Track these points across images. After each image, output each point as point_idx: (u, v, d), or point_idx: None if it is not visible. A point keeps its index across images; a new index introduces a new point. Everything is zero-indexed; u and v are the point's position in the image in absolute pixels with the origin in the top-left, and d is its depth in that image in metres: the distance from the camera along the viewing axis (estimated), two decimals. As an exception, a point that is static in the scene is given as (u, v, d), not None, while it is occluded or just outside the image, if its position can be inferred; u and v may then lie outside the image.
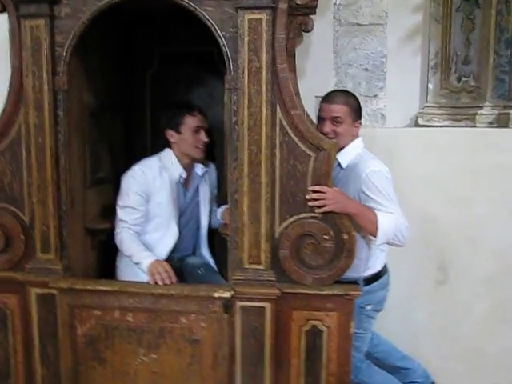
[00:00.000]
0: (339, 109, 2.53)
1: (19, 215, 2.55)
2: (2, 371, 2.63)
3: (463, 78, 3.43)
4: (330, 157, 2.29)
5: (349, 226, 2.34)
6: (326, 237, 2.35)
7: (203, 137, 2.78)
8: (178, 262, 2.84)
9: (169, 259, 2.72)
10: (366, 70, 3.10)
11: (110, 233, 2.78)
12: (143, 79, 3.17)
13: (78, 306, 2.46)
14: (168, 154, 2.80)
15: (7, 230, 2.55)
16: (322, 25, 2.99)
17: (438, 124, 3.44)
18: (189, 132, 2.75)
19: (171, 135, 2.77)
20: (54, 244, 2.50)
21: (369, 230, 2.42)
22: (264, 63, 2.26)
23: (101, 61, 2.82)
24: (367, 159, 2.53)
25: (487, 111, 3.22)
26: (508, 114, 3.13)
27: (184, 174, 2.83)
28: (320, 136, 2.30)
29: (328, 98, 2.59)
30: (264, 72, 2.26)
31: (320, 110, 2.60)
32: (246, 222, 2.35)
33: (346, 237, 2.34)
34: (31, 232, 2.53)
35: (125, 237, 2.67)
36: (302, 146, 2.31)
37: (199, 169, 2.90)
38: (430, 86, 3.52)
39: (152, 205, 2.72)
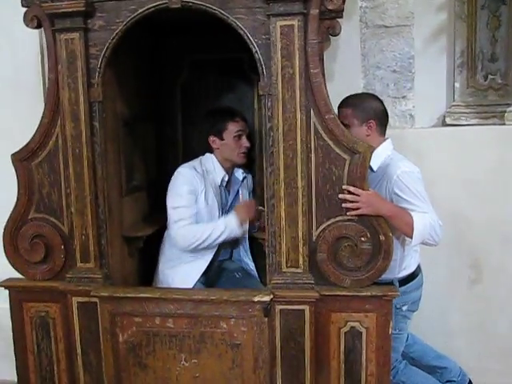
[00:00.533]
0: (344, 113, 2.59)
1: (58, 225, 2.61)
2: (46, 379, 2.68)
3: (490, 76, 3.43)
4: (364, 159, 2.31)
5: (385, 228, 2.35)
6: (362, 239, 2.37)
7: (245, 142, 2.84)
8: (217, 267, 2.87)
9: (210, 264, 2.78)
10: (394, 71, 3.12)
11: (147, 240, 2.83)
12: (173, 87, 3.22)
13: (119, 314, 2.50)
14: (210, 158, 2.86)
15: (47, 241, 2.61)
16: (349, 28, 3.01)
17: (466, 123, 3.44)
18: (231, 138, 2.81)
19: (213, 141, 2.83)
20: (94, 253, 2.55)
21: (404, 231, 2.43)
22: (297, 69, 2.29)
23: (133, 71, 2.87)
24: (397, 160, 2.55)
25: (516, 109, 3.22)
26: (537, 110, 3.13)
27: (226, 177, 2.89)
28: (354, 139, 2.32)
29: (339, 104, 2.64)
30: (297, 77, 2.29)
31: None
32: (283, 226, 2.38)
33: (382, 238, 2.36)
34: (71, 242, 2.58)
35: (190, 228, 2.70)
36: (337, 150, 2.33)
37: (239, 173, 2.97)
38: (457, 84, 3.52)
39: (198, 206, 2.77)
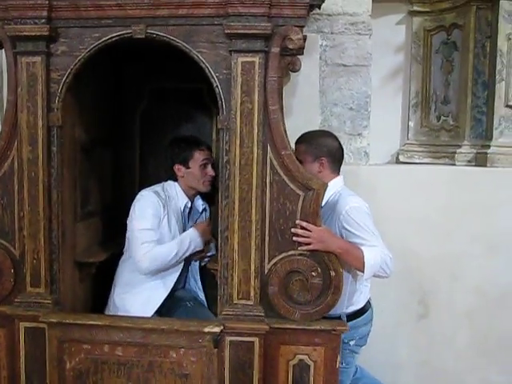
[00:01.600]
0: (298, 149, 2.68)
1: (9, 248, 2.57)
2: (-13, 408, 2.63)
3: (443, 117, 3.61)
4: (318, 196, 2.38)
5: (336, 263, 2.42)
6: (313, 273, 2.42)
7: (210, 171, 2.90)
8: (170, 295, 2.88)
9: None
10: (351, 109, 3.23)
11: (99, 266, 2.83)
12: (133, 114, 3.25)
13: (67, 340, 2.47)
14: (173, 186, 2.90)
15: (-4, 264, 2.58)
16: (309, 65, 3.11)
17: (419, 161, 3.59)
18: (197, 166, 2.86)
19: (178, 169, 2.87)
20: (45, 278, 2.53)
21: (356, 266, 2.51)
22: (256, 104, 2.35)
23: (93, 96, 2.89)
24: (346, 196, 2.62)
25: (466, 150, 3.39)
26: (485, 153, 3.28)
27: (189, 204, 2.93)
28: (309, 176, 2.39)
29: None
30: (256, 113, 2.36)
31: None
32: (235, 259, 2.42)
33: (333, 274, 2.42)
34: (21, 266, 2.55)
35: (156, 250, 2.70)
36: (292, 186, 2.39)
37: (199, 204, 3.01)
38: (411, 124, 3.69)
39: (161, 231, 2.78)
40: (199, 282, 3.05)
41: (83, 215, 2.85)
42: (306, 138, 2.70)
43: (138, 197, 2.80)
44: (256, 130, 2.36)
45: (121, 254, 2.92)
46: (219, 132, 2.44)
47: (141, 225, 2.73)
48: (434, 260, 3.22)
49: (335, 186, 2.66)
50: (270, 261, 2.44)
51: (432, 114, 3.63)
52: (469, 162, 3.36)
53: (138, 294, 2.78)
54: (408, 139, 3.66)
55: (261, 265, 2.43)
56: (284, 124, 2.40)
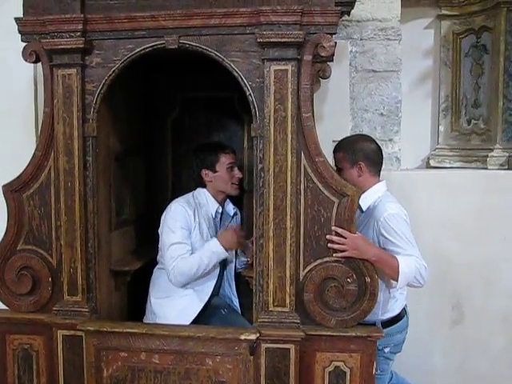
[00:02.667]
0: (337, 158, 2.70)
1: (47, 258, 2.62)
2: (27, 414, 2.67)
3: (473, 121, 3.57)
4: (353, 203, 2.38)
5: (371, 270, 2.41)
6: (349, 280, 2.41)
7: (237, 173, 2.91)
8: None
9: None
10: (382, 114, 3.22)
11: (134, 274, 2.85)
12: (165, 124, 3.28)
13: (104, 348, 2.50)
14: (202, 193, 2.91)
15: (35, 273, 2.62)
16: (339, 71, 3.11)
17: (449, 165, 3.56)
18: (224, 169, 2.87)
19: (206, 174, 2.88)
20: (82, 286, 2.56)
21: (390, 274, 2.49)
22: (289, 112, 2.36)
23: (126, 106, 2.93)
24: (385, 202, 2.61)
25: (498, 153, 3.35)
26: (518, 156, 3.24)
27: (220, 209, 2.94)
28: (343, 182, 2.39)
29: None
30: (289, 121, 2.36)
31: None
32: (271, 266, 2.42)
33: (368, 280, 2.41)
34: (58, 274, 2.59)
35: (181, 264, 2.71)
36: (326, 192, 2.39)
37: (230, 209, 3.02)
38: (441, 128, 3.66)
39: (192, 241, 2.80)
40: (234, 289, 3.05)
41: (118, 224, 2.88)
42: (342, 145, 2.70)
43: (167, 208, 2.82)
44: (290, 138, 2.36)
45: (154, 262, 2.94)
46: (252, 140, 2.45)
47: (169, 239, 2.75)
48: (467, 265, 3.18)
49: (378, 192, 2.65)
50: (305, 268, 2.44)
51: (462, 118, 3.60)
52: (501, 165, 3.32)
53: (175, 302, 2.80)
54: (438, 144, 3.63)
55: (296, 272, 2.43)
56: (316, 131, 2.40)
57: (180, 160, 3.26)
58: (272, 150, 2.37)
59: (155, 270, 2.93)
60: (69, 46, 2.45)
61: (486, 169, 3.32)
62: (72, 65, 2.49)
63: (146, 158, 3.24)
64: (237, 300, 3.04)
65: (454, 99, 3.61)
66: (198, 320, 2.82)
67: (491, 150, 3.37)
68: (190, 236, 2.79)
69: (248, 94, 2.39)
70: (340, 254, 2.40)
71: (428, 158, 3.60)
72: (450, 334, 3.21)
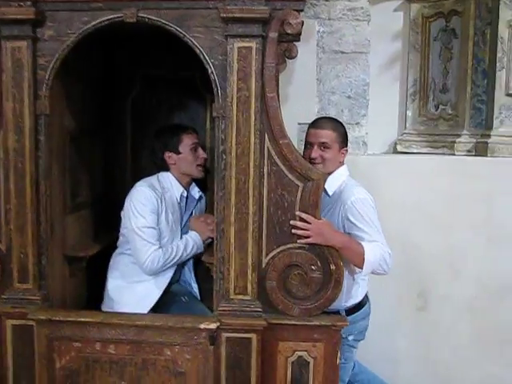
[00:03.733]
0: (327, 134, 2.53)
1: (-5, 243, 2.46)
2: (-26, 406, 2.51)
3: (441, 106, 3.49)
4: (318, 187, 2.27)
5: (336, 256, 2.31)
6: (313, 267, 2.32)
7: (202, 153, 2.80)
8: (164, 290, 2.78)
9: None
10: (349, 97, 3.12)
11: (92, 260, 2.72)
12: (124, 103, 3.11)
13: (56, 338, 2.35)
14: (166, 176, 2.78)
15: (-18, 259, 2.46)
16: (306, 52, 2.98)
17: (417, 151, 3.49)
18: (187, 150, 2.75)
19: (169, 157, 2.75)
20: (33, 273, 2.40)
21: (355, 262, 2.40)
22: (253, 92, 2.23)
23: (82, 84, 2.76)
24: (352, 187, 2.53)
25: (465, 139, 3.28)
26: (486, 142, 3.18)
27: (185, 193, 2.82)
28: (308, 166, 2.28)
29: (316, 124, 2.59)
30: (253, 101, 2.24)
31: (308, 135, 2.60)
32: (232, 252, 2.31)
33: (333, 267, 2.31)
34: (8, 261, 2.43)
35: (163, 253, 2.62)
36: (290, 176, 2.28)
37: (195, 192, 2.90)
38: (409, 113, 3.58)
39: (159, 226, 2.68)
40: (193, 275, 2.94)
41: (73, 207, 2.72)
42: (333, 125, 2.58)
43: (132, 191, 2.68)
44: (253, 119, 2.24)
45: (113, 246, 2.80)
46: (214, 120, 2.32)
47: (140, 223, 2.61)
48: (433, 251, 3.12)
49: (342, 176, 2.57)
50: (267, 254, 2.33)
51: (430, 103, 3.51)
52: (468, 151, 3.25)
53: (134, 288, 2.68)
54: (406, 129, 3.55)
55: (258, 258, 2.32)
56: (281, 112, 2.28)
57: (140, 140, 3.10)
58: (234, 130, 2.25)
59: (114, 254, 2.80)
60: (18, 17, 2.27)
61: (454, 155, 3.25)
62: (22, 37, 2.31)
63: (104, 139, 3.07)
64: (196, 286, 2.92)
65: (422, 84, 3.51)
66: (158, 307, 2.71)
67: (459, 135, 3.29)
68: (158, 221, 2.67)
69: (210, 71, 2.26)
70: (304, 241, 2.29)
71: (395, 143, 3.52)
72: (415, 321, 3.15)
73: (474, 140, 3.26)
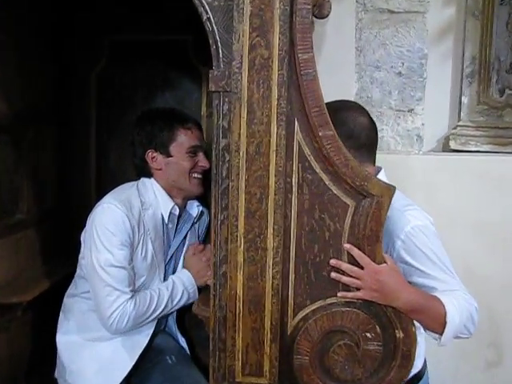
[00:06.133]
0: None
1: None
2: None
3: (508, 91, 2.56)
4: (380, 208, 1.33)
5: (406, 319, 1.39)
6: (368, 335, 1.38)
7: (202, 160, 1.84)
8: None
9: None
10: (400, 74, 2.15)
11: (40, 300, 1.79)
12: (86, 80, 2.14)
13: None
14: (149, 185, 1.84)
15: None
16: (341, 10, 2.07)
17: (475, 149, 2.57)
18: (182, 154, 1.81)
19: (154, 158, 1.82)
20: None
21: (430, 327, 1.47)
22: (276, 51, 1.30)
23: (22, 54, 1.82)
24: (401, 206, 1.59)
25: (549, 134, 2.36)
26: None
27: (176, 210, 1.86)
28: (365, 173, 1.35)
29: None
30: (276, 65, 1.30)
31: None
32: (240, 311, 1.38)
33: (400, 335, 1.39)
34: None
35: (135, 308, 1.69)
36: (335, 189, 1.34)
37: (194, 207, 1.94)
38: (465, 99, 2.64)
39: (135, 263, 1.75)
40: (175, 323, 1.99)
41: (6, 228, 1.78)
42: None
43: (97, 209, 1.74)
44: (276, 95, 1.30)
45: (67, 280, 1.88)
46: (211, 98, 1.37)
47: (104, 259, 1.68)
48: (508, 285, 2.20)
49: None
50: (296, 314, 1.39)
51: (493, 87, 2.58)
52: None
53: (96, 350, 1.76)
54: (461, 120, 2.62)
55: (281, 321, 1.38)
56: (320, 85, 1.35)
57: (108, 131, 2.14)
58: (245, 115, 1.31)
59: (67, 295, 1.87)
60: None
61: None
62: None
63: (57, 130, 2.12)
64: (184, 340, 1.98)
65: (482, 62, 2.58)
66: (135, 372, 1.78)
67: (539, 128, 2.38)
68: (133, 256, 1.74)
69: (205, 18, 1.32)
70: (352, 294, 1.37)
71: (447, 139, 2.58)
72: (485, 380, 2.23)
73: (560, 135, 2.34)
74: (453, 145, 2.61)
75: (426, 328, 1.46)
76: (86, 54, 2.11)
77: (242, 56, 1.30)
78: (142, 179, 1.85)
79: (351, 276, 1.36)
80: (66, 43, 2.09)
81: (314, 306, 1.38)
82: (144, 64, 2.07)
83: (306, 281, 1.38)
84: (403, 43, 2.13)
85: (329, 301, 1.38)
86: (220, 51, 1.32)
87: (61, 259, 1.99)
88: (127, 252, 1.68)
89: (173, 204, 1.84)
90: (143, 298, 1.69)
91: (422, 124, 2.24)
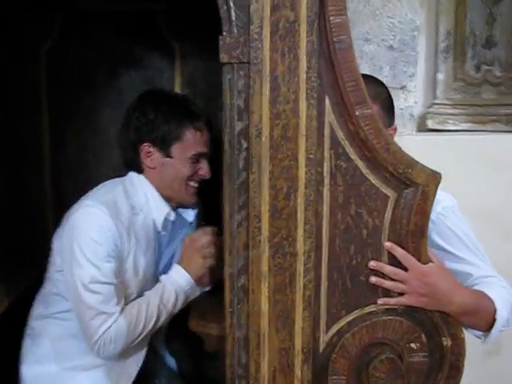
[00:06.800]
0: None
1: None
2: None
3: (485, 67, 2.44)
4: (426, 199, 1.13)
5: (454, 325, 1.20)
6: (413, 345, 1.19)
7: (205, 170, 1.53)
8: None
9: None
10: (391, 48, 1.96)
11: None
12: (34, 58, 1.78)
13: None
14: (140, 182, 1.52)
15: None
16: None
17: (454, 128, 2.44)
18: (184, 158, 1.50)
19: (149, 154, 1.50)
20: None
21: (479, 327, 1.29)
22: (304, 12, 1.05)
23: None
24: None
25: (529, 110, 2.25)
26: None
27: (172, 216, 1.55)
28: (409, 159, 1.13)
29: None
30: (304, 31, 1.05)
31: None
32: (265, 329, 1.14)
33: (447, 343, 1.20)
34: None
35: (123, 325, 1.37)
36: (373, 179, 1.12)
37: (188, 211, 1.63)
38: (440, 76, 2.50)
39: (124, 276, 1.44)
40: (164, 343, 1.71)
41: None
42: (374, 89, 1.37)
43: (78, 213, 1.41)
44: (304, 67, 1.06)
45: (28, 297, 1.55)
46: (225, 73, 1.11)
47: (88, 276, 1.36)
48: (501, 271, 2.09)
49: None
50: (329, 328, 1.17)
51: (469, 63, 2.45)
52: (535, 127, 2.24)
53: (76, 380, 1.46)
54: (436, 97, 2.48)
55: (313, 337, 1.16)
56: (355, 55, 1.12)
57: (63, 118, 1.79)
58: (268, 91, 1.06)
59: (35, 318, 1.55)
60: None
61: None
62: None
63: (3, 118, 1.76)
64: (174, 361, 1.70)
65: (457, 36, 2.45)
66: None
67: (515, 105, 2.27)
68: (122, 269, 1.43)
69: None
70: (395, 300, 1.16)
71: (423, 118, 2.44)
72: (485, 369, 2.11)
73: (544, 112, 2.25)
74: (430, 124, 2.46)
75: (471, 327, 1.29)
76: (33, 29, 1.74)
77: (262, 18, 1.04)
78: (129, 175, 1.52)
79: (394, 279, 1.16)
80: (9, 17, 1.71)
81: (350, 317, 1.16)
82: (106, 38, 1.74)
83: (340, 288, 1.15)
84: (394, 14, 1.93)
85: (367, 309, 1.17)
86: (232, 12, 1.05)
87: (16, 272, 1.65)
88: (115, 264, 1.37)
89: (168, 209, 1.52)
90: (129, 313, 1.39)
91: (415, 102, 2.06)
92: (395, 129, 1.50)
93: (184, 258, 1.49)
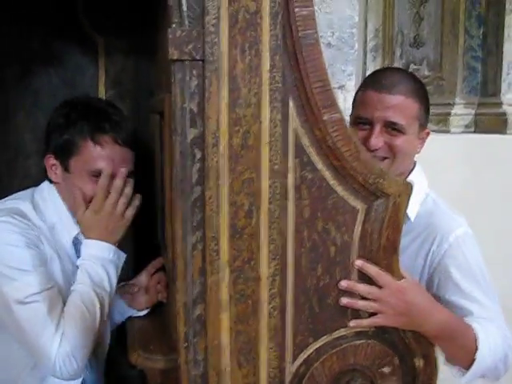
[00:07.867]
0: (402, 105, 1.25)
1: None
2: None
3: (413, 66, 2.43)
4: (398, 212, 1.02)
5: (426, 344, 1.11)
6: (385, 369, 1.08)
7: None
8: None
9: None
10: (329, 45, 1.86)
11: None
12: None
13: None
14: (46, 196, 1.31)
15: None
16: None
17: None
18: (84, 174, 1.28)
19: (53, 166, 1.31)
20: None
21: (458, 358, 1.18)
22: (267, 2, 0.91)
23: None
24: (447, 210, 1.33)
25: (460, 110, 2.25)
26: (491, 114, 2.18)
27: (82, 237, 1.31)
28: (379, 168, 1.02)
29: (379, 82, 1.28)
30: (267, 24, 0.91)
31: (359, 103, 1.31)
32: (226, 364, 0.99)
33: (419, 363, 1.11)
34: None
35: (74, 327, 1.17)
36: (341, 191, 1.01)
37: None
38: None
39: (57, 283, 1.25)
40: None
41: None
42: (410, 84, 1.28)
43: None
44: (267, 65, 0.92)
45: None
46: (171, 70, 0.94)
47: (23, 286, 1.15)
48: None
49: (423, 181, 1.34)
50: (296, 357, 1.04)
51: (397, 62, 2.43)
52: (466, 127, 2.23)
53: None
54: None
55: (279, 367, 1.02)
56: (322, 53, 0.99)
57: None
58: (226, 93, 0.91)
59: None
60: None
61: (449, 132, 2.21)
62: None
63: None
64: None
65: (385, 35, 2.42)
66: None
67: (450, 105, 2.26)
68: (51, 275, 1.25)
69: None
70: (367, 322, 1.05)
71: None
72: None
73: (472, 111, 2.24)
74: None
75: (449, 358, 1.19)
76: None
77: (218, 9, 0.89)
78: (40, 186, 1.33)
79: (367, 298, 1.04)
80: None
81: (318, 344, 1.04)
82: (17, 30, 1.50)
83: (307, 313, 1.03)
84: (333, 10, 1.83)
85: (336, 334, 1.05)
86: (183, 1, 0.89)
87: None
88: (45, 268, 1.19)
89: (77, 230, 1.31)
90: (70, 317, 1.17)
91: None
92: (428, 132, 1.35)
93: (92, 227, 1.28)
